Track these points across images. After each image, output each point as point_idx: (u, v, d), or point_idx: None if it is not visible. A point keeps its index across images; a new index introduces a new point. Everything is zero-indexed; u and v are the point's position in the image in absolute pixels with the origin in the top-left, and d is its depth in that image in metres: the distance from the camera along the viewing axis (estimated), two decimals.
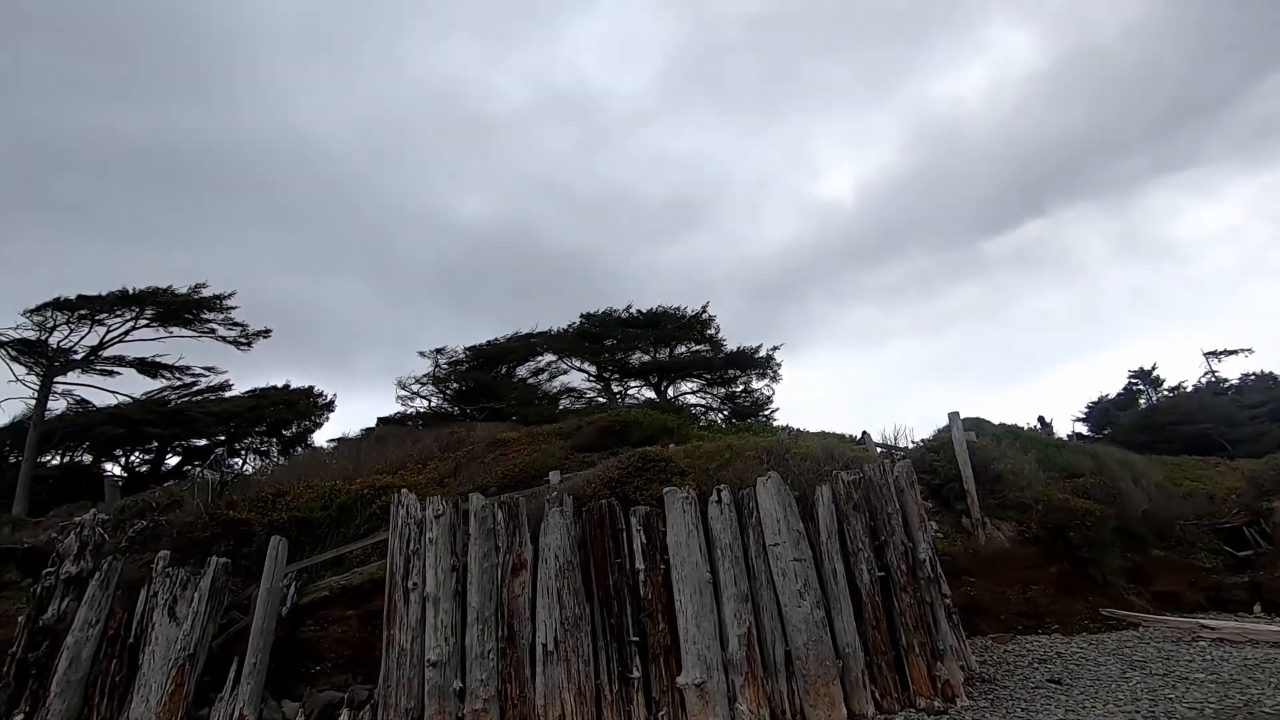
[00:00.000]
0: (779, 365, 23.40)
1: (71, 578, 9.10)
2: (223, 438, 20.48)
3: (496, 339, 22.34)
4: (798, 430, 14.04)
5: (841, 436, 13.75)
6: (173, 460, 22.78)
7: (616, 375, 23.16)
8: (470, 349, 22.00)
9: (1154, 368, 34.29)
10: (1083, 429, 28.73)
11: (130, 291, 17.27)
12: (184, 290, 18.16)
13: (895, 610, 7.23)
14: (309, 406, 23.15)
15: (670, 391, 23.08)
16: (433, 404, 21.68)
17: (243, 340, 19.71)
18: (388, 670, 6.94)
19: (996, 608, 9.93)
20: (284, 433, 23.93)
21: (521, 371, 22.80)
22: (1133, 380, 35.31)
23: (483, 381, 21.13)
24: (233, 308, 19.08)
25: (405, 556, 7.42)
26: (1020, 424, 15.81)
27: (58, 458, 20.63)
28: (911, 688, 6.95)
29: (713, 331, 23.64)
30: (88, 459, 21.67)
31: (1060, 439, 14.61)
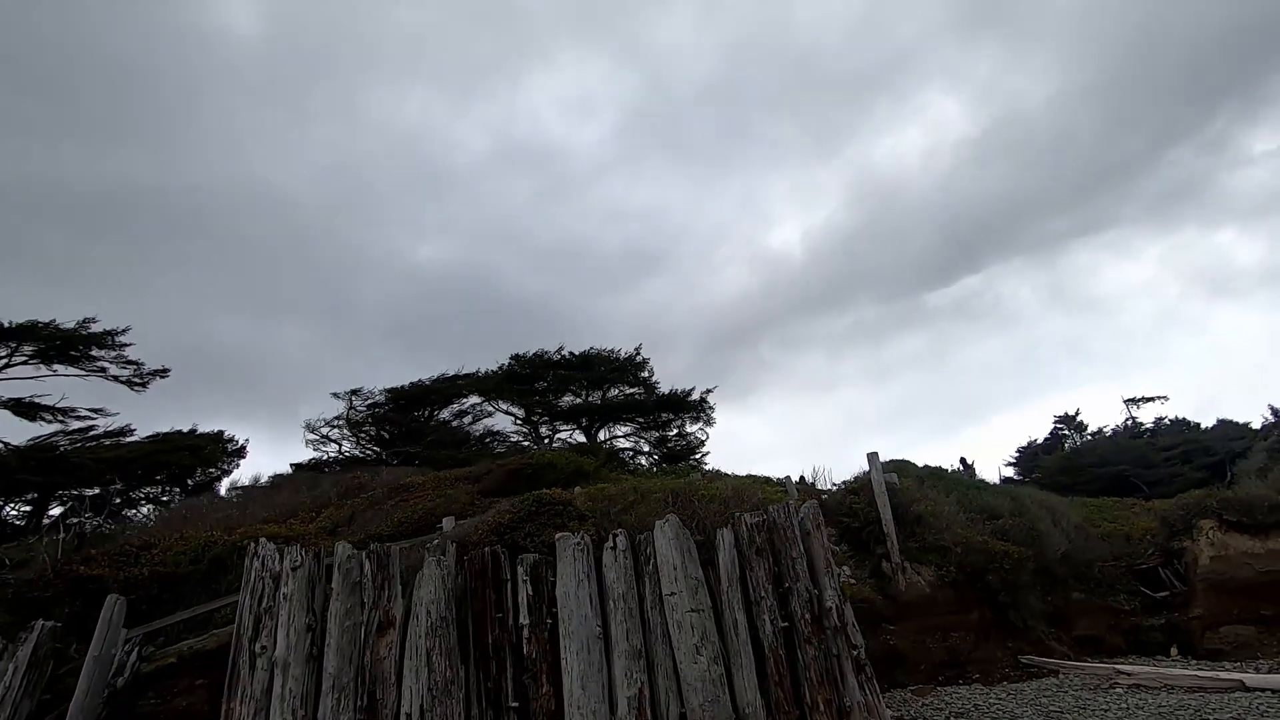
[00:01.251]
0: (712, 409, 23.16)
1: None
2: (116, 485, 18.77)
3: (420, 380, 21.37)
4: (719, 473, 13.66)
5: (769, 480, 13.39)
6: (56, 511, 20.81)
7: (545, 418, 22.45)
8: (390, 390, 20.93)
9: (1077, 413, 35.55)
10: (1011, 473, 29.30)
11: (5, 325, 15.78)
12: (69, 325, 16.70)
13: (800, 664, 6.71)
14: (216, 452, 21.56)
15: (602, 435, 22.49)
16: (343, 448, 20.51)
17: (137, 380, 18.21)
18: None
19: (917, 657, 9.51)
20: (188, 481, 22.23)
21: (445, 415, 21.83)
22: (1058, 425, 36.48)
23: (400, 424, 20.08)
24: (126, 345, 17.66)
25: (255, 615, 6.54)
26: (945, 466, 15.85)
27: None
28: None
29: (647, 374, 23.30)
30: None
31: (981, 480, 14.61)
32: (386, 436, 20.46)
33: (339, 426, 20.40)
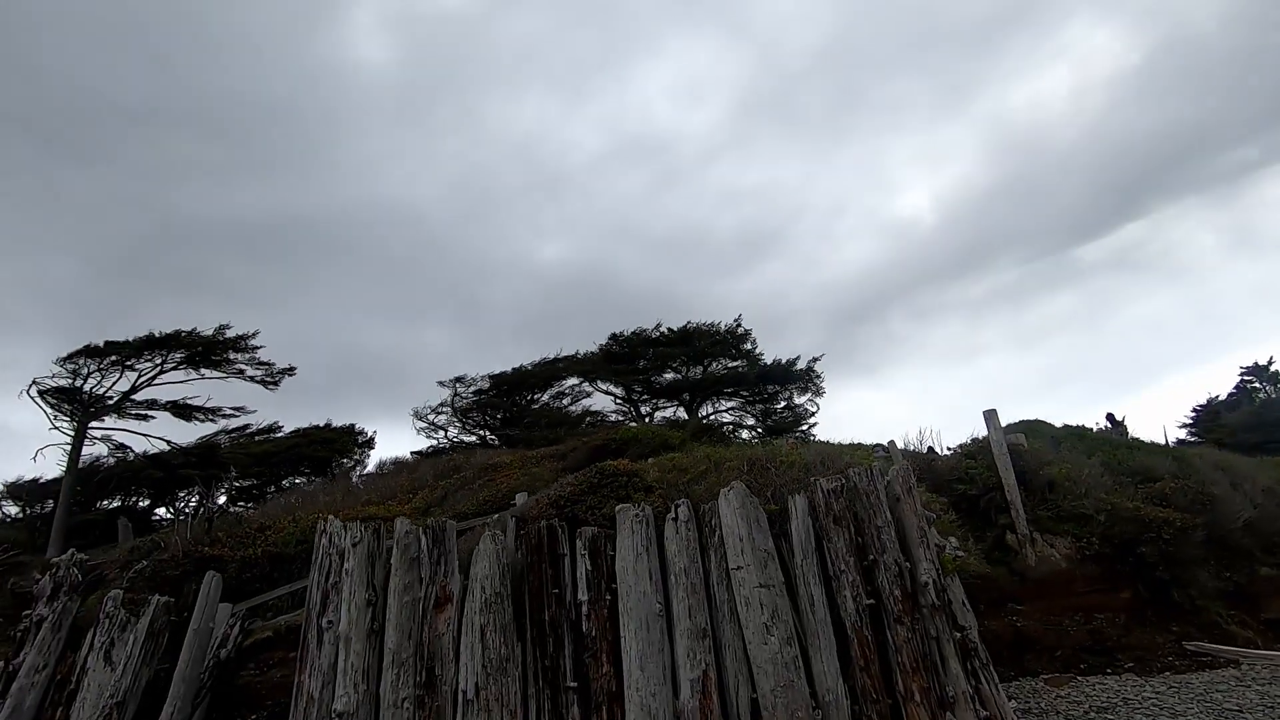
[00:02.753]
0: (820, 378, 21.71)
1: (41, 620, 8.85)
2: (255, 480, 20.74)
3: (521, 365, 21.84)
4: (820, 442, 12.58)
5: (873, 446, 12.22)
6: (223, 500, 23.34)
7: (645, 396, 22.13)
8: (493, 376, 21.52)
9: (1270, 362, 30.34)
10: (1183, 435, 25.37)
11: (157, 335, 17.85)
12: (208, 332, 18.67)
13: (890, 647, 5.86)
14: (348, 444, 23.25)
15: (707, 410, 21.83)
16: (449, 433, 21.33)
17: (270, 379, 20.03)
18: None
19: (1051, 641, 8.22)
20: (328, 470, 24.12)
21: (545, 398, 22.10)
22: (1245, 378, 31.32)
23: (503, 408, 20.56)
24: (258, 347, 19.51)
25: (323, 591, 6.64)
26: (1090, 426, 13.77)
27: (113, 502, 21.40)
28: None
29: (750, 347, 22.26)
30: (144, 503, 22.43)
31: (1135, 439, 12.52)
32: (490, 421, 21.08)
33: (444, 413, 21.32)
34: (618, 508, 6.78)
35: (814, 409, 21.78)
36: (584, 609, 6.31)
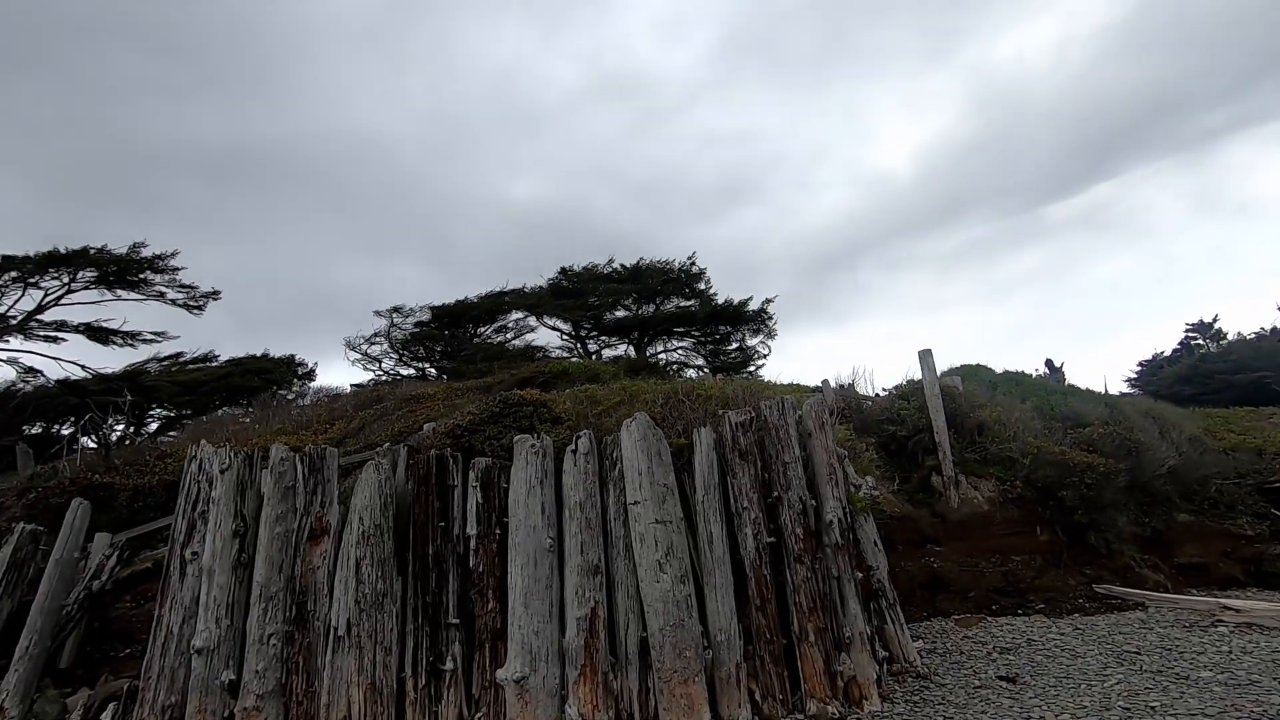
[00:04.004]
0: (772, 319, 21.33)
1: None
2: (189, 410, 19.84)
3: (465, 298, 21.00)
4: (748, 378, 12.31)
5: (812, 387, 11.96)
6: (154, 428, 22.41)
7: (594, 333, 21.60)
8: (434, 308, 20.64)
9: (1215, 319, 30.95)
10: (1126, 389, 25.90)
11: (62, 251, 16.53)
12: (121, 250, 17.35)
13: (789, 587, 5.60)
14: (286, 375, 22.34)
15: (658, 349, 21.41)
16: (383, 365, 20.59)
17: (193, 304, 18.89)
18: (151, 658, 5.67)
19: (966, 583, 8.15)
20: (263, 401, 23.25)
21: (489, 331, 21.40)
22: (1190, 334, 31.96)
23: (443, 341, 19.84)
24: (178, 268, 18.21)
25: (189, 520, 6.11)
26: (1029, 372, 13.75)
27: (34, 428, 20.35)
28: (803, 686, 5.33)
29: (703, 286, 21.71)
30: (67, 430, 21.39)
31: (1071, 386, 12.51)
32: (430, 354, 20.35)
33: (378, 343, 20.49)
34: (515, 438, 6.33)
35: (766, 351, 21.58)
36: (472, 543, 5.92)
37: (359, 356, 20.81)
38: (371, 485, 5.98)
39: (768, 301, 21.41)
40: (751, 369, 21.03)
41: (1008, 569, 8.26)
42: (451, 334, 20.82)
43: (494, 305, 20.87)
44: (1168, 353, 32.70)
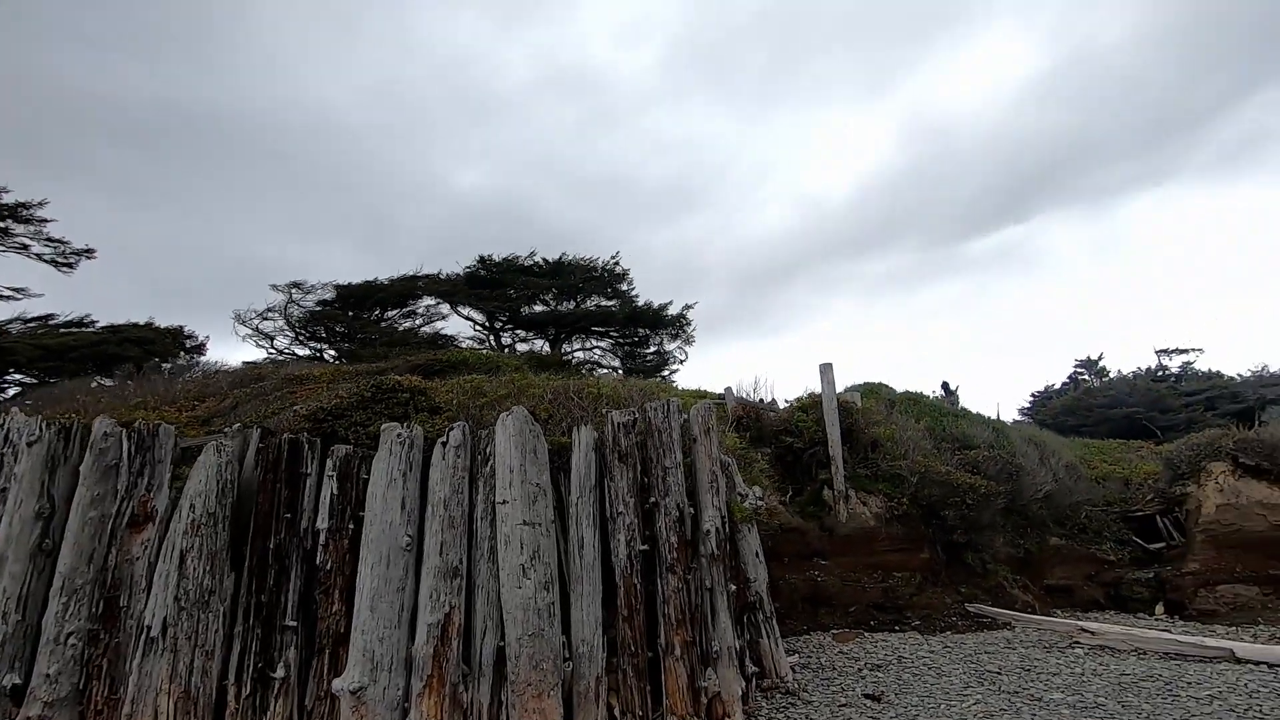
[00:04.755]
0: (690, 324, 21.35)
1: None
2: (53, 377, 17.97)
3: (375, 279, 19.85)
4: (668, 385, 12.20)
5: (716, 395, 11.90)
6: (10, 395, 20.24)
7: (509, 326, 20.99)
8: (338, 287, 19.46)
9: (1100, 357, 33.25)
10: (1019, 416, 27.45)
11: None
12: None
13: (660, 597, 5.36)
14: (170, 347, 20.61)
15: (574, 347, 21.00)
16: (275, 343, 19.30)
17: (62, 260, 17.08)
18: None
19: (848, 598, 8.18)
20: (144, 373, 21.40)
21: (398, 316, 20.37)
22: (1078, 369, 34.27)
23: (347, 323, 18.74)
24: (46, 220, 16.37)
25: None
26: (928, 393, 14.22)
27: None
28: (665, 702, 5.09)
29: (626, 287, 21.46)
30: None
31: (964, 409, 13.01)
32: (332, 335, 19.17)
33: (271, 318, 19.15)
34: (383, 426, 5.83)
35: (683, 356, 21.53)
36: (322, 538, 5.38)
37: (250, 332, 19.40)
38: (210, 468, 5.37)
39: (687, 307, 21.46)
40: (666, 373, 20.99)
41: (889, 585, 8.34)
42: (356, 316, 19.68)
43: (405, 289, 19.85)
44: (1058, 385, 35.01)
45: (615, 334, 21.58)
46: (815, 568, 8.37)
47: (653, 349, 21.74)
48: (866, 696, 5.69)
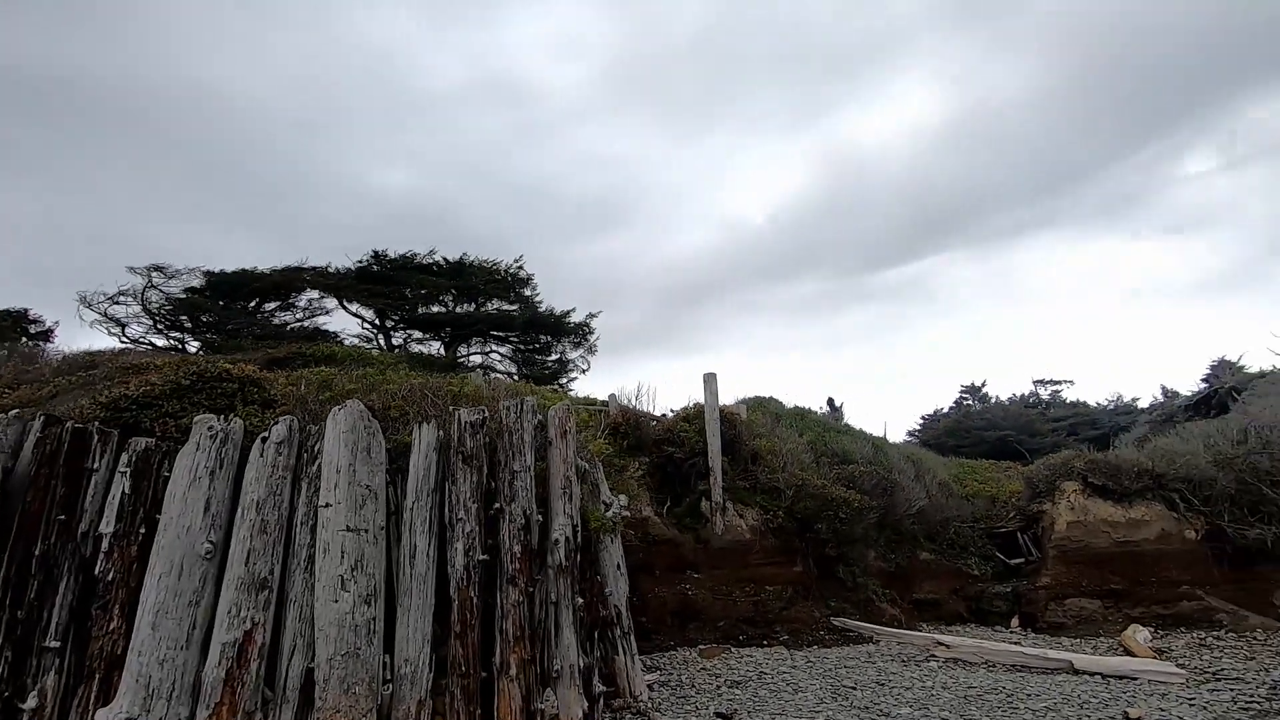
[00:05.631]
0: (593, 333, 21.05)
1: None
2: None
3: (254, 268, 18.38)
4: (560, 392, 11.84)
5: (600, 402, 11.62)
6: None
7: (401, 325, 20.02)
8: (209, 273, 17.84)
9: (984, 384, 35.33)
10: (908, 437, 28.74)
11: None
12: None
13: (499, 612, 4.93)
14: (9, 332, 18.35)
15: (472, 350, 20.22)
16: (128, 331, 17.55)
17: None
18: None
19: (718, 612, 8.00)
20: None
21: (276, 308, 18.92)
22: (963, 395, 36.29)
23: (217, 313, 17.20)
24: None
25: None
26: (814, 408, 14.52)
27: None
28: None
29: (529, 293, 20.92)
30: None
31: (846, 425, 13.36)
32: (193, 324, 17.53)
33: (124, 304, 17.39)
34: (196, 418, 5.15)
35: (585, 366, 21.15)
36: (104, 544, 4.66)
37: (98, 317, 17.50)
38: None
39: (591, 315, 21.13)
40: (564, 380, 20.51)
41: (760, 599, 8.23)
42: (227, 306, 18.09)
43: (287, 281, 18.41)
44: (945, 409, 37.04)
45: (515, 339, 20.96)
46: (688, 581, 8.15)
47: (554, 356, 21.28)
48: (718, 715, 5.45)
